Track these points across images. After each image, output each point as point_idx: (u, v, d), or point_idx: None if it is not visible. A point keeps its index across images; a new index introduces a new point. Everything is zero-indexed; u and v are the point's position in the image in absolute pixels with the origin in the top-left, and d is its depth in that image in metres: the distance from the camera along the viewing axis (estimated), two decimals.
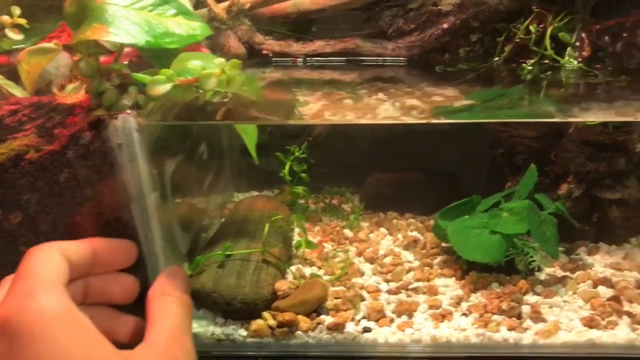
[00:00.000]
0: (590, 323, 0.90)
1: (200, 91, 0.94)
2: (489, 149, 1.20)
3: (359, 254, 1.11)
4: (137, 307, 0.86)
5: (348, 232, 1.19)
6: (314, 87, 1.16)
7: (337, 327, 0.89)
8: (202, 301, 0.91)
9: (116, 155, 0.81)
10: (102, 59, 0.89)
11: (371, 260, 1.09)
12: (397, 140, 1.33)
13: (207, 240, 1.09)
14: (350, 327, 0.90)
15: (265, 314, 0.90)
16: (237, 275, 0.92)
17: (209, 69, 0.81)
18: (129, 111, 0.80)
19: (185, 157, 1.04)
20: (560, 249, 1.10)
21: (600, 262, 1.06)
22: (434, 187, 1.27)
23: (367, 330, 0.90)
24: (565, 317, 0.92)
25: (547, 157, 1.09)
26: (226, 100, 0.98)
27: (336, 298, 0.95)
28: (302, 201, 1.30)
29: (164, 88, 0.80)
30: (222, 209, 1.26)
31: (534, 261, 1.00)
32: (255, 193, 1.38)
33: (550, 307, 0.95)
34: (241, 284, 0.91)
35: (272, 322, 0.89)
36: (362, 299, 0.97)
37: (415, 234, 1.18)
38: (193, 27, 0.89)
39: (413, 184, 1.28)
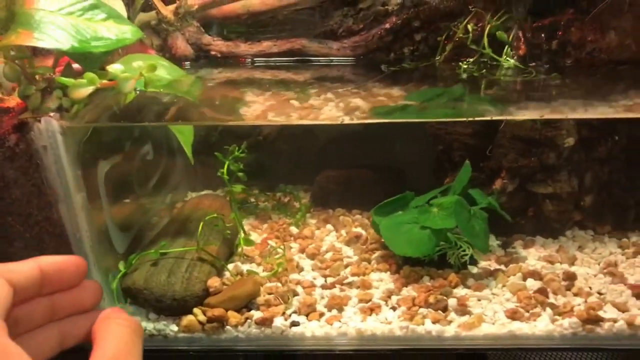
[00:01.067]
0: (513, 315, 0.92)
1: (138, 91, 0.97)
2: (431, 147, 1.22)
3: (302, 250, 1.13)
4: None
5: (294, 229, 1.21)
6: (265, 87, 1.19)
7: (265, 322, 0.92)
8: (134, 298, 0.93)
9: (41, 157, 0.83)
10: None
11: (312, 257, 1.11)
12: (347, 139, 1.35)
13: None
14: (278, 322, 0.92)
15: (196, 310, 0.93)
16: (168, 272, 0.94)
17: (129, 72, 0.84)
18: (51, 114, 0.82)
19: (125, 157, 1.06)
20: (497, 242, 1.12)
21: (535, 255, 1.08)
22: (381, 184, 1.29)
23: (295, 324, 0.92)
24: (490, 310, 0.94)
25: (483, 153, 1.11)
26: (175, 100, 1.01)
27: (269, 294, 0.97)
28: (252, 200, 1.33)
29: (85, 91, 0.83)
30: (172, 208, 1.29)
31: (466, 255, 1.02)
32: (209, 192, 1.39)
33: (479, 300, 0.97)
34: (172, 281, 0.93)
35: (202, 317, 0.92)
36: (295, 294, 0.99)
37: (359, 229, 1.20)
38: (123, 31, 0.91)
39: (361, 181, 1.30)
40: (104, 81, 0.84)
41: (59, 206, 0.86)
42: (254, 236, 1.17)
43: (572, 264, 1.05)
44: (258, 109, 1.07)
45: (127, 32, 0.92)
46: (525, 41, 1.14)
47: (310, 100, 1.09)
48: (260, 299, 0.96)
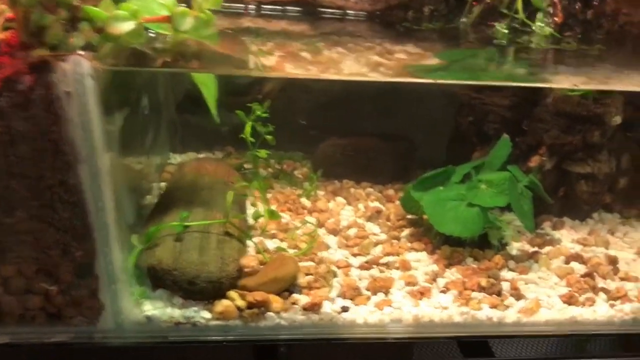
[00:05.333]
0: (570, 300, 0.88)
1: (152, 35, 0.81)
2: (455, 116, 1.14)
3: (320, 225, 1.02)
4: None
5: (305, 202, 1.09)
6: (264, 37, 1.05)
7: (314, 307, 0.81)
8: (160, 280, 0.79)
9: (63, 105, 0.66)
10: None
11: (334, 232, 1.01)
12: (352, 102, 1.24)
13: (150, 207, 0.96)
14: (327, 307, 0.81)
15: (232, 293, 0.80)
16: (199, 250, 0.80)
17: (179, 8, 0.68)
18: (81, 52, 0.65)
19: (132, 111, 0.89)
20: None
21: (567, 238, 1.04)
22: (392, 155, 1.20)
23: (345, 309, 0.82)
24: (543, 294, 0.89)
25: (518, 127, 1.05)
26: (167, 47, 0.85)
27: (307, 274, 0.86)
28: (249, 166, 1.19)
29: (127, 26, 0.66)
30: (160, 171, 1.12)
31: (506, 235, 0.97)
32: (193, 154, 1.24)
33: (526, 284, 0.91)
34: (205, 260, 0.79)
35: (240, 302, 0.79)
36: (335, 275, 0.88)
37: (376, 204, 1.10)
38: None
39: (370, 151, 1.20)
40: (148, 16, 0.68)
41: (80, 168, 0.69)
42: (260, 207, 1.04)
43: (607, 247, 1.02)
44: (270, 60, 0.94)
45: None
46: (562, 8, 1.08)
47: (323, 53, 0.98)
48: (301, 281, 0.84)
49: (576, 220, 1.09)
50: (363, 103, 1.23)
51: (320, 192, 1.14)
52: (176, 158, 1.22)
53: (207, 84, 0.92)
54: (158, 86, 1.15)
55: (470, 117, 1.09)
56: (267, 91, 1.21)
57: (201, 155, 1.23)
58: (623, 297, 0.88)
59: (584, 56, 1.03)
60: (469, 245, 0.96)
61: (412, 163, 1.19)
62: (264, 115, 0.96)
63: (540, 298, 0.88)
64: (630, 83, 0.92)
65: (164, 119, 1.18)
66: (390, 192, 1.15)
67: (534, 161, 1.03)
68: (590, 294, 0.90)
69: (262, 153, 0.95)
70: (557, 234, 1.05)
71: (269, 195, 1.11)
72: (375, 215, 1.07)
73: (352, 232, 1.01)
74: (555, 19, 1.08)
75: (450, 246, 0.96)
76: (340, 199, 1.13)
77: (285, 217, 1.04)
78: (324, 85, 1.25)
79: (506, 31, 1.06)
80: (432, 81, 0.95)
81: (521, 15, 1.08)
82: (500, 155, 1.00)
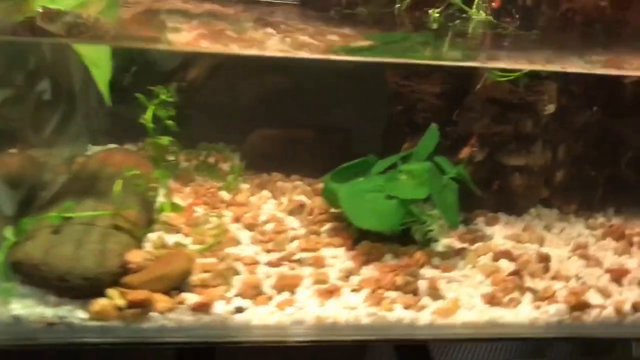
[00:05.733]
0: (491, 300, 0.81)
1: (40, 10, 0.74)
2: (387, 106, 1.07)
3: (236, 220, 0.96)
4: None
5: (225, 195, 1.02)
6: (189, 17, 0.98)
7: (203, 307, 0.73)
8: (28, 276, 0.71)
9: None
10: None
11: (250, 227, 0.94)
12: (284, 91, 1.18)
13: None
14: (219, 307, 0.74)
15: (112, 291, 0.72)
16: (76, 243, 0.73)
17: None
18: None
19: (17, 93, 0.82)
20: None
21: (500, 233, 0.97)
22: (324, 146, 1.13)
23: (239, 310, 0.75)
24: (465, 294, 0.82)
25: (449, 116, 0.98)
26: (80, 21, 0.78)
27: (205, 272, 0.79)
28: (171, 157, 1.11)
29: None
30: (70, 163, 1.05)
31: (431, 230, 0.90)
32: (115, 146, 1.16)
33: (449, 282, 0.84)
34: (81, 254, 0.72)
35: (120, 301, 0.72)
36: (237, 273, 0.81)
37: (302, 197, 1.04)
38: None
39: (301, 142, 1.14)
40: None
41: None
42: (177, 201, 0.97)
43: (541, 244, 0.95)
44: (187, 37, 0.88)
45: None
46: None
47: (249, 33, 0.92)
48: (194, 279, 0.77)
49: (512, 216, 1.02)
50: (297, 92, 1.18)
51: (246, 185, 1.07)
52: (94, 149, 1.14)
53: (99, 64, 0.84)
54: (71, 72, 1.07)
55: (400, 106, 1.02)
56: (192, 78, 1.14)
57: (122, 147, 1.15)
58: (550, 298, 0.82)
59: (519, 41, 0.97)
60: (392, 241, 0.89)
61: (346, 155, 1.12)
62: (170, 99, 0.89)
63: (461, 298, 0.81)
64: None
65: (79, 107, 1.10)
66: (321, 185, 1.08)
67: (464, 152, 0.97)
68: (515, 294, 0.83)
69: (165, 140, 0.88)
70: (489, 230, 0.98)
71: (187, 189, 1.05)
72: (297, 209, 1.00)
73: (270, 227, 0.94)
74: (493, 4, 1.02)
75: (372, 242, 0.89)
76: (265, 193, 1.06)
77: (199, 210, 0.97)
78: (256, 72, 1.19)
79: (437, 15, 1.00)
80: (350, 58, 0.89)
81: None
82: (428, 145, 0.93)
